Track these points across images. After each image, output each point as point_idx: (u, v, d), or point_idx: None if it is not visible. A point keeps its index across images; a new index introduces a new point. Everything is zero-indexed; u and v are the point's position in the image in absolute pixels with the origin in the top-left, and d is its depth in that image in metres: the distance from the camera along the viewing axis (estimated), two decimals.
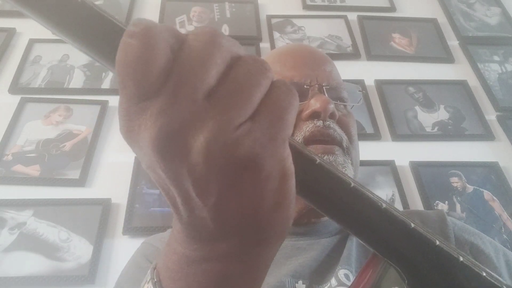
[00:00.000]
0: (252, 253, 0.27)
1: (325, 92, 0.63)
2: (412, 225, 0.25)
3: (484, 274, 0.25)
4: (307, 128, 0.60)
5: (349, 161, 0.61)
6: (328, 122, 0.60)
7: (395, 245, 0.26)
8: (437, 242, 0.25)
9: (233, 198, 0.23)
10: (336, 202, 0.26)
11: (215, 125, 0.21)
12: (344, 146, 0.61)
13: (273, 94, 0.23)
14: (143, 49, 0.21)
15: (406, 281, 0.26)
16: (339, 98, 0.66)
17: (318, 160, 0.26)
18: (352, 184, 0.26)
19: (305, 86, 0.63)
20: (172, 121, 0.21)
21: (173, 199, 0.25)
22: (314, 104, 0.60)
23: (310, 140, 0.59)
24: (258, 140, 0.22)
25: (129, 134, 0.23)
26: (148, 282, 0.30)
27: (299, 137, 0.60)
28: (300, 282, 0.55)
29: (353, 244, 0.60)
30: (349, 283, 0.54)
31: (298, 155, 0.25)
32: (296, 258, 0.59)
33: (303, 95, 0.63)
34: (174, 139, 0.21)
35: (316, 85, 0.63)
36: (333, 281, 0.55)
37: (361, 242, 0.27)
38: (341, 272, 0.55)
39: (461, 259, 0.25)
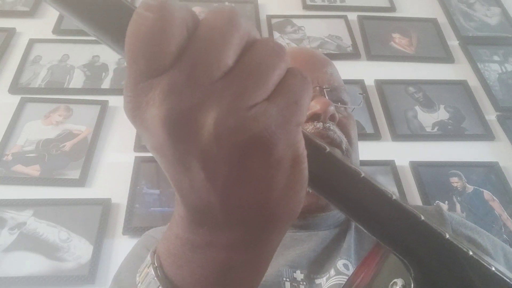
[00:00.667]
0: (258, 241, 0.26)
1: (325, 94, 0.63)
2: (422, 217, 0.25)
3: (493, 268, 0.25)
4: (307, 130, 0.59)
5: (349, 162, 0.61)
6: (328, 124, 0.60)
7: (404, 237, 0.25)
8: (447, 236, 0.25)
9: (243, 181, 0.23)
10: (346, 192, 0.26)
11: (230, 104, 0.21)
12: (344, 148, 0.61)
13: (289, 79, 0.23)
14: (159, 22, 0.20)
15: (413, 274, 0.26)
16: (340, 100, 0.66)
17: (328, 149, 0.25)
18: (362, 175, 0.25)
19: None
20: (185, 99, 0.20)
21: (179, 182, 0.24)
22: (314, 106, 0.60)
23: None
24: (273, 120, 0.21)
25: (135, 112, 0.22)
26: (148, 267, 0.29)
27: None
28: (298, 271, 0.56)
29: (352, 237, 0.60)
30: (348, 273, 0.54)
31: (309, 143, 0.24)
32: (294, 249, 0.59)
33: None
34: (185, 118, 0.21)
35: (317, 87, 0.63)
36: (331, 272, 0.55)
37: (369, 233, 0.27)
38: (340, 263, 0.56)
39: (471, 253, 0.25)
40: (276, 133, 0.22)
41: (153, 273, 0.28)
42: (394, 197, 0.25)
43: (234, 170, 0.22)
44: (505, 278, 0.25)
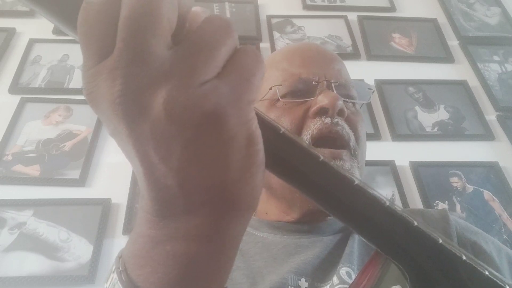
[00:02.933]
0: (218, 229, 0.26)
1: (333, 88, 0.61)
2: (415, 223, 0.25)
3: (487, 273, 0.25)
4: (314, 125, 0.58)
5: (356, 165, 0.60)
6: (336, 120, 0.59)
7: (398, 243, 0.25)
8: (440, 241, 0.25)
9: (198, 161, 0.23)
10: (307, 175, 0.26)
11: (179, 82, 0.21)
12: (352, 146, 0.60)
13: (241, 57, 0.23)
14: (104, 7, 0.21)
15: (409, 280, 0.26)
16: (348, 96, 0.64)
17: (282, 130, 0.25)
18: (321, 158, 0.25)
19: (313, 83, 0.62)
20: (132, 80, 0.21)
21: (139, 168, 0.24)
22: (322, 100, 0.59)
23: (318, 138, 0.58)
24: (223, 97, 0.22)
25: (91, 97, 0.22)
26: (113, 272, 0.29)
27: (306, 136, 0.58)
28: (303, 279, 0.55)
29: (355, 242, 0.59)
30: (350, 281, 0.54)
31: (264, 124, 0.24)
32: (298, 256, 0.58)
33: (311, 92, 0.61)
34: (134, 98, 0.21)
35: (325, 82, 0.62)
36: (334, 279, 0.54)
37: (362, 238, 0.27)
38: (343, 270, 0.55)
39: (464, 257, 0.25)
40: (227, 110, 0.22)
41: (117, 277, 0.28)
42: (387, 203, 0.25)
43: (188, 149, 0.22)
44: (498, 281, 0.25)
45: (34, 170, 1.20)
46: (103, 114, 0.23)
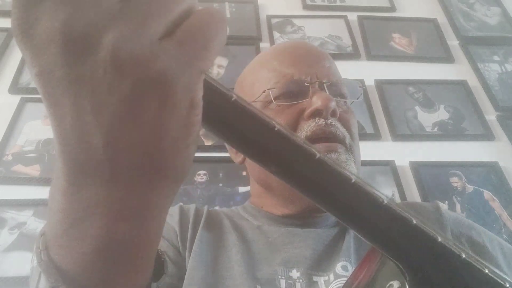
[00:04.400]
0: (146, 202, 0.24)
1: (325, 89, 0.62)
2: (414, 221, 0.25)
3: (487, 270, 0.24)
4: (308, 127, 0.59)
5: (352, 158, 0.61)
6: (330, 120, 0.60)
7: (396, 241, 0.25)
8: (439, 239, 0.25)
9: (133, 120, 0.21)
10: (305, 173, 0.25)
11: (131, 29, 0.19)
12: (347, 143, 0.61)
13: (199, 19, 0.21)
14: None
15: (408, 278, 0.26)
16: (340, 95, 0.65)
17: (234, 97, 0.24)
18: (318, 155, 0.24)
19: (305, 84, 0.62)
20: (84, 13, 0.19)
21: (61, 118, 0.21)
22: (316, 102, 0.59)
23: (313, 139, 0.59)
24: (174, 60, 0.20)
25: (23, 27, 0.20)
26: (34, 253, 0.27)
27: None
28: (294, 270, 0.55)
29: (352, 237, 0.60)
30: (347, 274, 0.54)
31: (213, 91, 0.23)
32: (291, 245, 0.59)
33: (304, 93, 0.62)
34: (82, 33, 0.19)
35: (317, 82, 0.62)
36: (331, 276, 0.55)
37: (361, 237, 0.26)
38: (339, 265, 0.56)
39: (463, 255, 0.25)
40: (176, 74, 0.20)
41: (36, 259, 0.26)
42: (385, 201, 0.25)
43: (124, 103, 0.20)
44: (498, 280, 0.25)
45: (34, 170, 1.20)
46: (35, 47, 0.20)
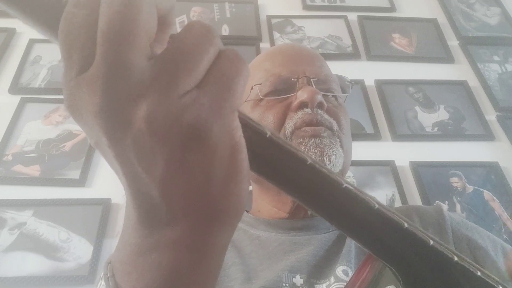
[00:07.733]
0: (203, 238, 0.25)
1: (312, 84, 0.64)
2: (406, 225, 0.25)
3: (479, 273, 0.25)
4: (297, 117, 0.61)
5: (339, 143, 0.61)
6: (316, 110, 0.61)
7: (388, 245, 0.25)
8: (431, 242, 0.25)
9: (181, 170, 0.22)
10: (297, 179, 0.25)
11: (159, 94, 0.20)
12: (335, 129, 0.62)
13: (222, 63, 0.22)
14: (87, 17, 0.20)
15: (402, 281, 0.26)
16: (329, 90, 0.67)
17: (268, 134, 0.25)
18: (309, 161, 0.25)
19: (292, 79, 0.64)
20: (112, 92, 0.20)
21: (123, 178, 0.24)
22: (302, 94, 0.61)
23: (300, 127, 0.60)
24: (204, 108, 0.21)
25: (73, 108, 0.22)
26: (101, 278, 0.29)
27: (289, 125, 0.61)
28: (298, 276, 0.55)
29: (352, 241, 0.59)
30: (347, 279, 0.54)
31: (248, 129, 0.24)
32: (293, 253, 0.59)
33: (291, 89, 0.64)
34: (115, 110, 0.21)
35: (304, 78, 0.64)
36: (332, 279, 0.55)
37: (354, 241, 0.27)
38: (340, 269, 0.55)
39: (456, 259, 0.25)
40: (208, 121, 0.21)
41: (104, 284, 0.28)
42: (376, 206, 0.25)
43: (170, 161, 0.22)
44: (490, 282, 0.25)
45: (34, 170, 1.20)
46: (85, 126, 0.22)
